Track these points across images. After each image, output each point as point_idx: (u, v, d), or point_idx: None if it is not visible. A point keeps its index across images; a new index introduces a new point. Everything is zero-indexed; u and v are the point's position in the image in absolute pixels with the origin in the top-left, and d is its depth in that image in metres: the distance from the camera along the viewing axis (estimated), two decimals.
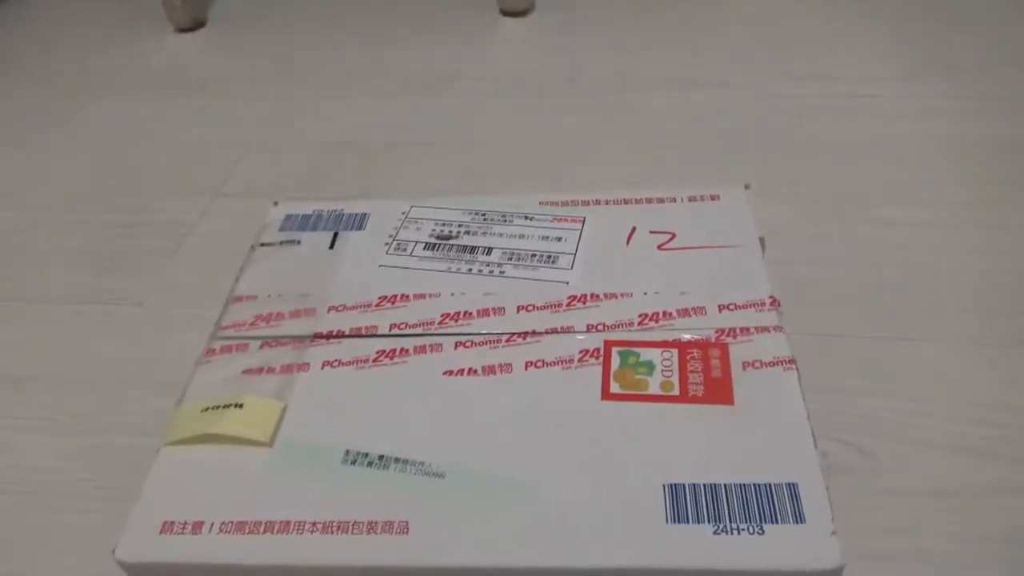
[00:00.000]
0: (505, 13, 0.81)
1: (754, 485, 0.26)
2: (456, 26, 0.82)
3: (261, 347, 0.33)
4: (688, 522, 0.25)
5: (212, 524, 0.27)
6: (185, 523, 0.27)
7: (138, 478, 0.32)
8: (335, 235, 0.39)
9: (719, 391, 0.29)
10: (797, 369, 0.29)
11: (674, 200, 0.38)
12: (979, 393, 0.42)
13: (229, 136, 0.70)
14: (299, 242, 0.39)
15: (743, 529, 0.25)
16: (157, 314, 0.53)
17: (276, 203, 0.41)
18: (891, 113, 0.64)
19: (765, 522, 0.25)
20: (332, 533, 0.27)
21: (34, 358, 0.51)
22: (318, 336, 0.33)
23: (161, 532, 0.27)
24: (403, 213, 0.39)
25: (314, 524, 0.27)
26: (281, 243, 0.39)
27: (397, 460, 0.28)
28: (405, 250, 0.37)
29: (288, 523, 0.27)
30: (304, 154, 0.67)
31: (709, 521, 0.25)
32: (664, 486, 0.26)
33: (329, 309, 0.35)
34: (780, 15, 0.78)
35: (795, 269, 0.50)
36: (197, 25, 0.87)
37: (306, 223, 0.40)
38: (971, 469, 0.39)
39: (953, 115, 0.63)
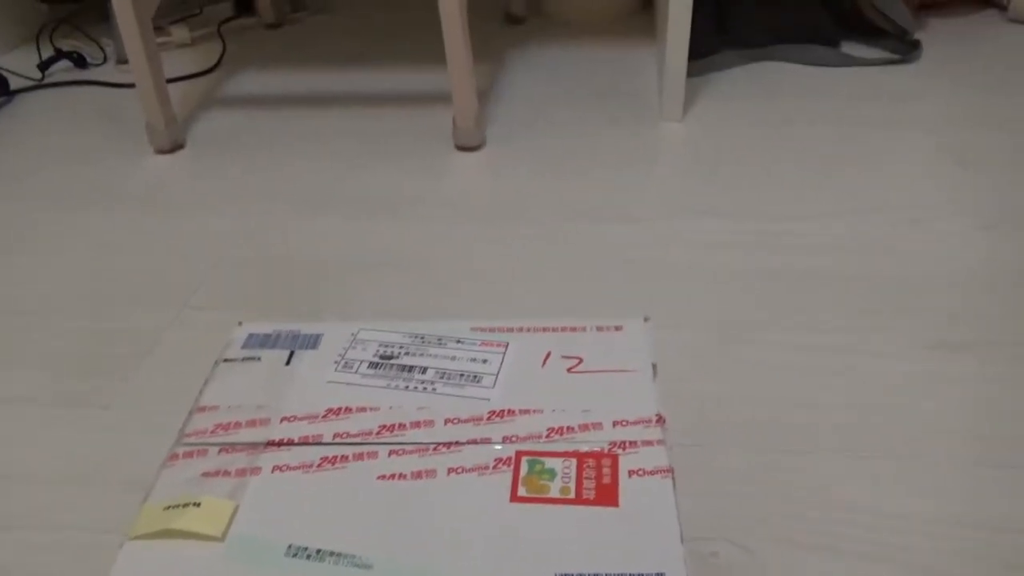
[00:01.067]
0: (460, 148, 0.90)
1: (628, 574, 0.31)
2: (416, 158, 0.90)
3: (219, 452, 0.38)
4: None
5: None
6: None
7: (99, 572, 0.36)
8: (291, 353, 0.44)
9: (608, 495, 0.35)
10: (673, 477, 0.35)
11: (584, 329, 0.45)
12: (862, 499, 0.48)
13: (200, 252, 0.76)
14: (259, 359, 0.44)
15: None
16: (123, 416, 0.57)
17: (240, 323, 0.47)
18: (781, 248, 0.73)
19: None
20: None
21: (1, 456, 0.55)
22: (270, 443, 0.38)
23: None
24: (352, 335, 0.45)
25: None
26: (243, 359, 0.44)
27: (332, 553, 0.33)
28: (352, 368, 0.43)
29: None
30: (267, 271, 0.73)
31: None
32: (555, 575, 0.32)
33: (282, 419, 0.40)
34: (711, 152, 0.88)
35: (681, 384, 0.56)
36: (176, 147, 0.94)
37: (266, 341, 0.45)
38: (851, 570, 0.44)
39: (852, 252, 0.72)
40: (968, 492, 0.48)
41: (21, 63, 1.23)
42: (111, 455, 0.54)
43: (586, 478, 0.36)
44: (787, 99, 0.97)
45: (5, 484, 0.52)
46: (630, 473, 0.36)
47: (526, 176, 0.86)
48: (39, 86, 1.17)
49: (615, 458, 0.36)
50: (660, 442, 0.37)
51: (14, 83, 1.16)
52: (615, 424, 0.38)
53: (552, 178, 0.85)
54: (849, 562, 0.44)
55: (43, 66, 1.21)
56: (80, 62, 1.23)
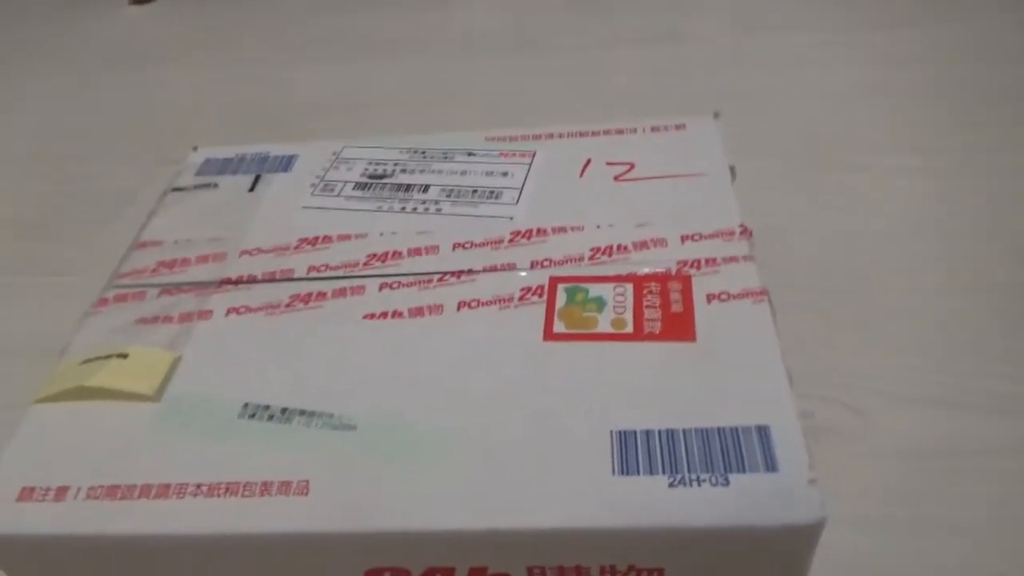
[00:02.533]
0: None
1: (717, 429, 0.22)
2: None
3: (160, 294, 0.29)
4: (639, 474, 0.21)
5: (79, 489, 0.23)
6: (47, 489, 0.23)
7: None
8: (257, 178, 0.34)
9: (679, 327, 0.25)
10: (770, 301, 0.25)
11: (635, 131, 0.34)
12: (975, 346, 0.38)
13: (180, 104, 0.66)
14: (216, 185, 0.34)
15: (704, 480, 0.21)
16: (83, 284, 0.49)
17: (195, 148, 0.37)
18: (866, 59, 0.60)
19: (730, 471, 0.21)
20: (218, 496, 0.22)
21: None
22: (225, 282, 0.29)
23: (18, 499, 0.23)
24: (334, 153, 0.35)
25: (198, 487, 0.23)
26: (196, 187, 0.34)
27: (302, 413, 0.24)
28: (333, 191, 0.33)
29: (168, 486, 0.23)
30: (255, 119, 0.63)
31: (664, 472, 0.21)
32: (612, 433, 0.22)
33: (241, 253, 0.30)
34: None
35: (770, 220, 0.46)
36: None
37: (226, 166, 0.35)
38: (967, 427, 0.35)
39: (933, 61, 0.59)
40: None
41: None
42: (67, 327, 0.46)
43: (648, 307, 0.26)
44: None
45: None
46: (709, 298, 0.26)
47: (549, 3, 0.73)
48: None
49: (687, 280, 0.26)
50: (748, 258, 0.27)
51: None
52: (683, 239, 0.28)
53: (574, 4, 0.72)
54: (971, 416, 0.35)
55: None
56: None
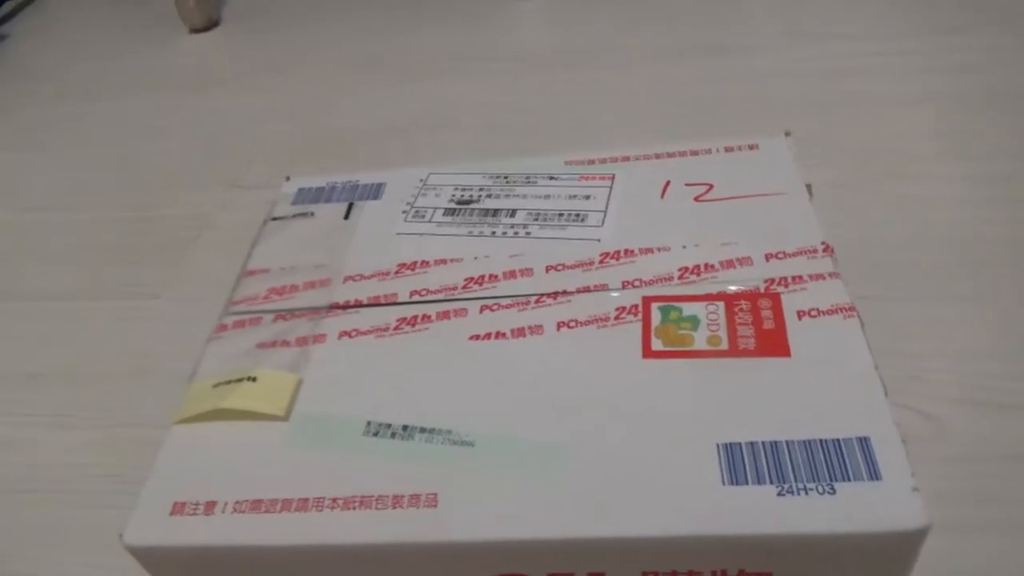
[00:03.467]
0: None
1: (820, 441, 0.23)
2: (467, 11, 0.80)
3: (275, 320, 0.31)
4: (748, 483, 0.23)
5: (225, 504, 0.25)
6: (197, 503, 0.25)
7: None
8: (350, 205, 0.37)
9: (773, 343, 0.26)
10: (859, 316, 0.27)
11: (709, 152, 0.35)
12: None
13: (246, 130, 0.69)
14: (312, 214, 0.36)
15: (811, 489, 0.22)
16: (174, 306, 0.51)
17: (288, 178, 0.39)
18: (918, 70, 0.61)
19: (835, 480, 0.22)
20: (354, 508, 0.24)
21: (51, 354, 0.50)
22: (334, 306, 0.31)
23: (171, 514, 0.25)
24: (421, 180, 0.37)
25: (334, 500, 0.25)
26: (294, 216, 0.37)
27: (423, 430, 0.26)
28: (424, 217, 0.35)
29: (306, 500, 0.25)
30: (318, 143, 0.66)
31: (772, 482, 0.23)
32: (719, 446, 0.24)
33: (345, 279, 0.32)
34: None
35: (837, 230, 0.47)
36: (211, 25, 0.86)
37: (319, 195, 0.38)
38: None
39: (985, 69, 0.59)
40: None
41: None
42: (163, 347, 0.49)
43: (740, 324, 0.27)
44: None
45: (57, 381, 0.48)
46: (799, 315, 0.27)
47: (598, 16, 0.74)
48: None
49: (776, 297, 0.28)
50: (834, 275, 0.28)
51: None
52: (768, 257, 0.29)
53: (628, 16, 0.73)
54: None
55: None
56: None
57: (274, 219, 0.37)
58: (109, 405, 0.46)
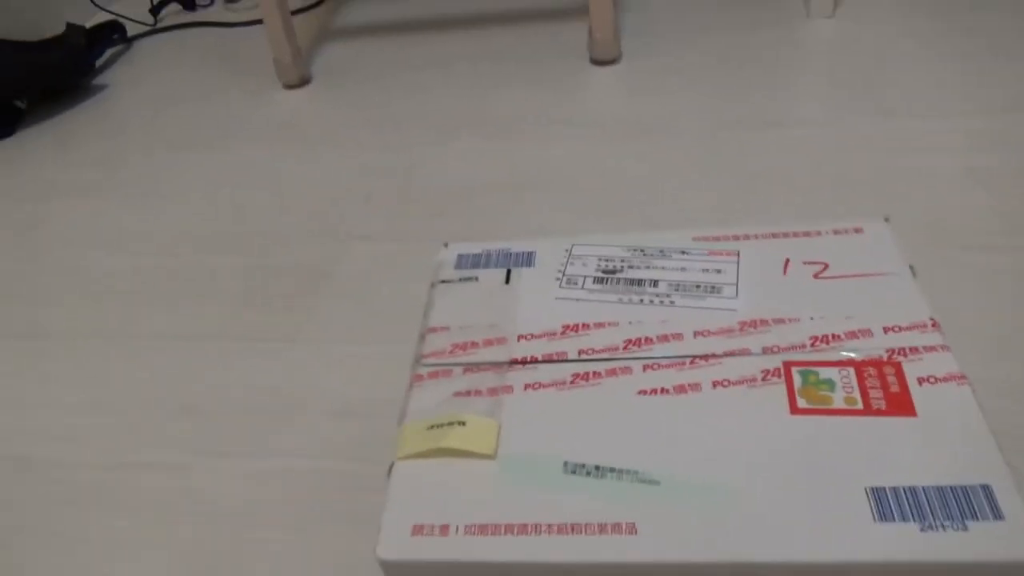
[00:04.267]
0: (596, 62, 0.86)
1: (951, 487, 0.29)
2: (550, 76, 0.87)
3: (464, 372, 0.37)
4: (895, 520, 0.28)
5: (457, 527, 0.31)
6: (433, 526, 0.31)
7: (310, 500, 0.35)
8: (508, 272, 0.43)
9: (901, 404, 0.32)
10: (971, 384, 0.32)
11: (819, 233, 0.41)
12: None
13: (348, 184, 0.75)
14: (476, 279, 0.43)
15: (948, 526, 0.28)
16: (308, 349, 0.57)
17: (446, 244, 0.45)
18: (977, 146, 0.67)
19: (967, 519, 0.28)
20: (566, 533, 0.30)
21: (197, 390, 0.56)
22: (514, 361, 0.37)
23: (412, 534, 0.31)
24: (566, 251, 0.43)
25: (549, 526, 0.30)
26: (460, 280, 0.43)
27: (612, 470, 0.32)
28: (576, 284, 0.41)
29: (525, 525, 0.30)
30: (419, 198, 0.72)
31: (915, 520, 0.28)
32: (867, 489, 0.29)
33: (519, 337, 0.38)
34: (853, 57, 0.81)
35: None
36: (304, 82, 0.93)
37: (478, 261, 0.44)
38: None
39: None
40: None
41: (133, 8, 1.23)
42: (305, 386, 0.55)
43: (871, 387, 0.33)
44: None
45: (212, 414, 0.54)
46: (919, 380, 0.33)
47: (673, 88, 0.81)
48: (153, 31, 1.18)
49: (898, 365, 0.34)
50: (944, 347, 0.34)
51: (130, 29, 1.16)
52: (886, 330, 0.35)
53: (696, 87, 0.80)
54: None
55: (155, 10, 1.21)
56: (189, 4, 1.22)
57: (442, 282, 0.43)
58: (264, 436, 0.51)
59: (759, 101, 0.77)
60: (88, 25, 1.08)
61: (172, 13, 1.23)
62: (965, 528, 0.28)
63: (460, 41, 0.97)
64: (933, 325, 0.35)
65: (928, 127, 0.70)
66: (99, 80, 1.05)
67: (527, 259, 0.43)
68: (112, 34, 1.11)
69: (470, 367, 0.37)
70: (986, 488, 0.29)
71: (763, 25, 0.88)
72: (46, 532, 0.48)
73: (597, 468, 0.32)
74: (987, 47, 0.79)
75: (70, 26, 1.03)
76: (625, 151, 0.73)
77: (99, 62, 1.09)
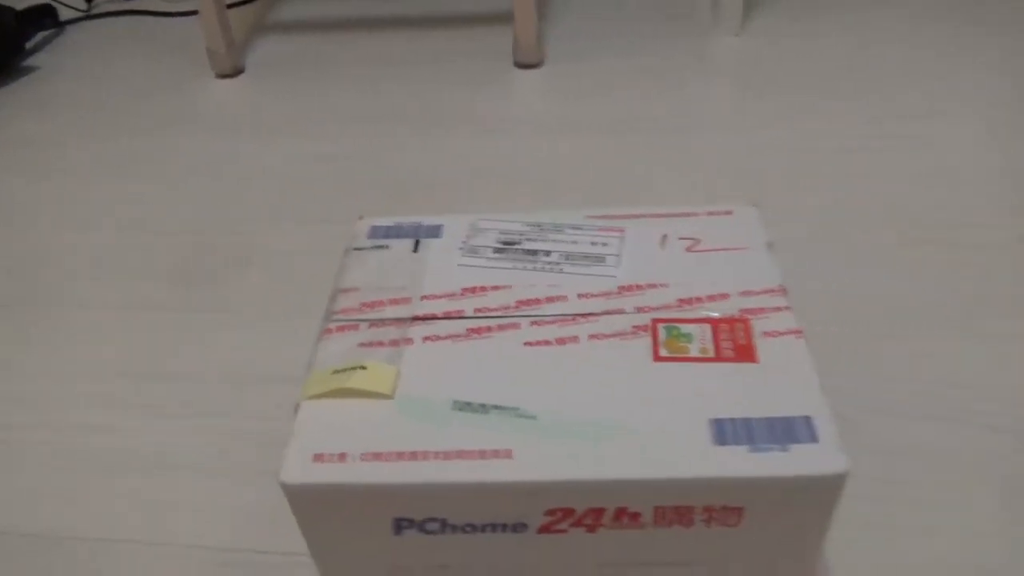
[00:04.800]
0: (520, 66, 0.91)
1: (778, 418, 0.34)
2: (478, 77, 0.91)
3: (370, 327, 0.41)
4: (730, 444, 0.33)
5: (354, 455, 0.34)
6: (332, 454, 0.34)
7: (240, 457, 0.39)
8: (417, 241, 0.46)
9: (746, 353, 0.37)
10: (805, 336, 0.38)
11: (696, 214, 0.47)
12: (944, 372, 0.51)
13: (280, 170, 0.78)
14: (388, 247, 0.46)
15: (772, 448, 0.33)
16: (237, 320, 0.60)
17: (361, 217, 0.49)
18: (867, 147, 0.74)
19: (789, 443, 0.33)
20: (451, 459, 0.34)
21: (134, 357, 0.58)
22: (416, 318, 0.41)
23: (313, 461, 0.34)
24: (471, 225, 0.47)
25: (436, 453, 0.34)
26: (372, 247, 0.46)
27: (496, 407, 0.36)
28: (478, 253, 0.45)
29: (415, 452, 0.34)
30: (352, 185, 0.75)
31: (746, 443, 0.33)
32: (709, 420, 0.34)
33: (422, 298, 0.42)
34: (755, 63, 0.88)
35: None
36: (237, 72, 0.95)
37: (390, 232, 0.47)
38: (944, 434, 0.47)
39: (926, 155, 0.73)
40: None
41: None
42: (236, 354, 0.57)
43: (723, 340, 0.38)
44: (851, 9, 0.96)
45: (147, 379, 0.56)
46: (764, 335, 0.38)
47: (591, 91, 0.86)
48: (86, 17, 1.18)
49: (747, 322, 0.39)
50: (787, 308, 0.39)
51: (62, 14, 1.16)
52: (741, 294, 0.40)
53: (612, 91, 0.86)
54: (951, 427, 0.47)
55: None
56: None
57: (355, 249, 0.46)
58: (205, 400, 0.54)
59: (668, 105, 0.83)
60: (19, 8, 1.08)
61: (106, 0, 1.23)
62: (787, 450, 0.33)
63: (392, 42, 1.00)
64: (782, 290, 0.41)
65: (812, 129, 0.77)
66: (29, 62, 1.05)
67: (435, 231, 0.47)
68: (44, 18, 1.11)
69: (375, 322, 0.41)
70: (807, 419, 0.34)
71: (677, 37, 0.95)
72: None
73: (483, 406, 0.36)
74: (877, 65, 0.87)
75: (0, 7, 1.03)
76: (543, 145, 0.78)
77: (29, 44, 1.08)
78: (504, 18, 1.02)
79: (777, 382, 0.36)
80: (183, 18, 1.15)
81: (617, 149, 0.76)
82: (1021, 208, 0.64)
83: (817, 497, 0.33)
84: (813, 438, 0.33)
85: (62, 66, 1.03)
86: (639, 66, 0.89)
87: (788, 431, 0.34)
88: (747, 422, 0.34)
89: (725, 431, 0.34)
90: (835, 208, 0.67)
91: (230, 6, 1.14)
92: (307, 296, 0.62)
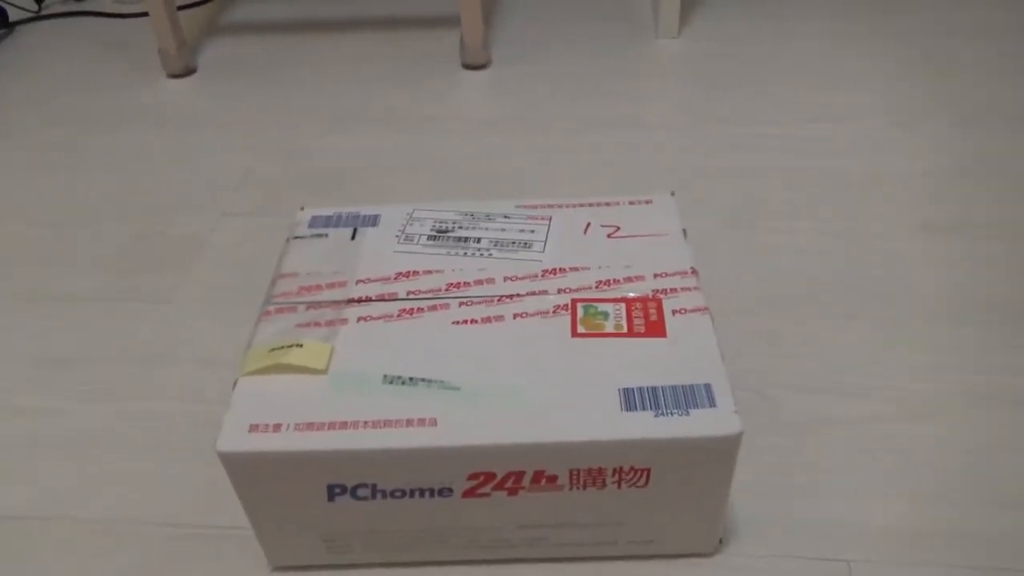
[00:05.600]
0: (467, 67, 0.94)
1: (682, 386, 0.37)
2: (426, 77, 0.93)
3: (307, 309, 0.43)
4: (637, 410, 0.36)
5: (288, 425, 0.36)
6: (268, 425, 0.36)
7: (180, 437, 0.41)
8: (355, 230, 0.49)
9: (656, 328, 0.40)
10: (710, 314, 0.41)
11: (618, 203, 0.50)
12: (856, 355, 0.54)
13: (228, 166, 0.80)
14: (327, 235, 0.48)
15: (675, 412, 0.36)
16: (184, 308, 0.62)
17: (303, 208, 0.51)
18: (790, 149, 0.78)
19: (690, 407, 0.36)
20: (380, 427, 0.36)
21: (77, 344, 0.59)
22: (351, 300, 0.43)
23: (249, 432, 0.36)
24: (408, 214, 0.50)
25: (366, 423, 0.36)
26: (312, 236, 0.48)
27: (423, 380, 0.38)
28: (413, 240, 0.48)
29: (345, 422, 0.36)
30: (297, 180, 0.77)
31: (651, 409, 0.36)
32: (619, 389, 0.37)
33: (357, 282, 0.44)
34: (692, 71, 0.92)
35: (707, 265, 0.62)
36: (188, 72, 0.96)
37: (329, 221, 0.50)
38: (848, 406, 0.51)
39: (834, 154, 0.77)
40: (950, 345, 0.55)
41: None
42: (179, 340, 0.59)
43: (635, 317, 0.41)
44: (784, 15, 1.01)
45: (91, 365, 0.57)
46: (673, 312, 0.41)
47: (535, 91, 0.89)
48: (37, 18, 1.17)
49: (659, 301, 0.42)
50: (696, 288, 0.43)
51: (12, 15, 1.16)
52: (655, 276, 0.44)
53: (556, 91, 0.89)
54: (847, 402, 0.51)
55: None
56: None
57: (296, 237, 0.48)
58: (142, 383, 0.55)
59: (609, 105, 0.86)
60: None
61: (57, 2, 1.22)
62: (688, 414, 0.36)
63: (342, 43, 1.02)
64: (692, 272, 0.44)
65: (747, 132, 0.81)
66: None
67: (373, 220, 0.50)
68: None
69: (313, 304, 0.43)
70: (707, 386, 0.37)
71: (618, 40, 0.98)
72: None
73: (411, 379, 0.39)
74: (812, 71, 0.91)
75: None
76: (487, 143, 0.81)
77: None
78: (452, 21, 1.05)
79: (682, 354, 0.39)
80: (135, 19, 1.15)
81: (554, 145, 0.79)
82: (926, 203, 0.69)
83: (717, 457, 0.36)
84: (712, 403, 0.36)
85: (12, 66, 1.03)
86: (583, 68, 0.93)
87: (691, 398, 0.37)
88: (653, 390, 0.37)
89: (633, 398, 0.37)
90: (749, 201, 0.70)
91: (181, 8, 1.15)
92: (249, 284, 0.64)
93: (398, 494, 0.38)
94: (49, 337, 0.60)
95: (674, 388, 0.37)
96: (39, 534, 0.47)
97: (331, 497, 0.38)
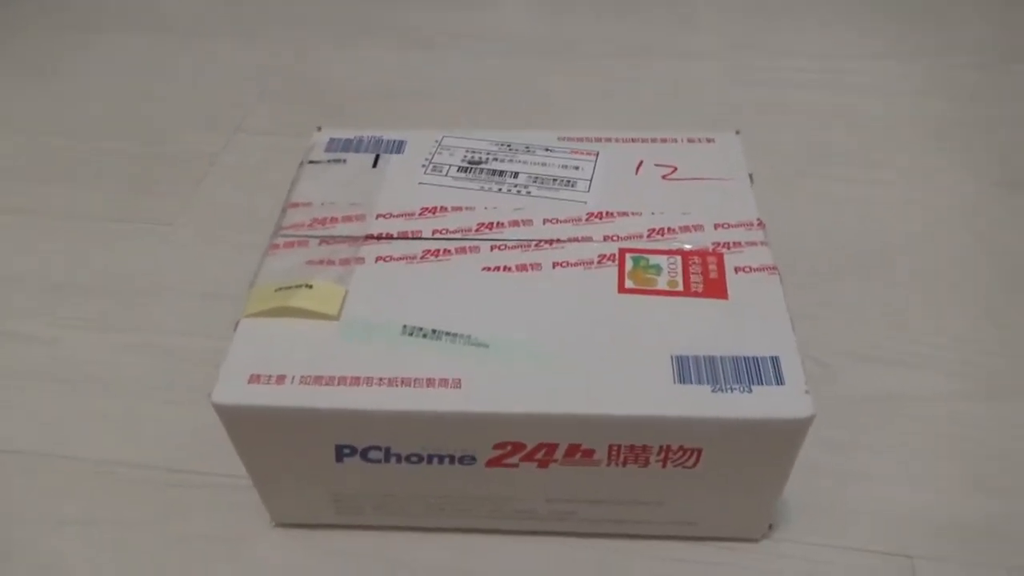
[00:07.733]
0: None
1: (744, 358, 0.32)
2: None
3: (320, 244, 0.38)
4: (692, 383, 0.31)
5: (293, 377, 0.32)
6: (270, 376, 0.32)
7: (181, 375, 0.37)
8: (377, 156, 0.43)
9: (716, 288, 0.35)
10: (779, 274, 0.36)
11: (675, 141, 0.44)
12: (928, 321, 0.49)
13: (245, 80, 0.74)
14: (345, 161, 0.43)
15: (736, 389, 0.31)
16: (188, 232, 0.57)
17: (320, 128, 0.46)
18: (854, 88, 0.71)
19: (753, 384, 0.31)
20: (396, 386, 0.32)
21: (76, 268, 0.55)
22: (369, 237, 0.38)
23: (249, 382, 0.32)
24: (436, 141, 0.44)
25: (380, 380, 0.32)
26: (328, 161, 0.43)
27: (448, 333, 0.34)
28: (441, 171, 0.42)
29: (358, 378, 0.32)
30: (314, 98, 0.71)
31: (708, 383, 0.31)
32: (672, 356, 0.32)
33: (377, 216, 0.39)
34: (747, 3, 0.84)
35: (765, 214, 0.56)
36: None
37: (349, 145, 0.44)
38: (915, 380, 0.46)
39: (909, 94, 0.70)
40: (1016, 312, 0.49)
41: None
42: (182, 268, 0.54)
43: (693, 273, 0.36)
44: None
45: (87, 293, 0.53)
46: (736, 270, 0.36)
47: (581, 11, 0.82)
48: None
49: (720, 256, 0.36)
50: (764, 243, 0.37)
51: None
52: (716, 227, 0.38)
53: (597, 16, 0.81)
54: (915, 375, 0.46)
55: None
56: None
57: (311, 162, 0.43)
58: (137, 315, 0.51)
59: (656, 32, 0.79)
60: None
61: None
62: (750, 391, 0.31)
63: None
64: (759, 224, 0.38)
65: (813, 66, 0.73)
66: None
67: (397, 147, 0.44)
68: None
69: (326, 239, 0.38)
70: (775, 359, 0.32)
71: None
72: None
73: (434, 331, 0.34)
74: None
75: None
76: (529, 66, 0.74)
77: None
78: None
79: (746, 320, 0.34)
80: None
81: (606, 73, 0.73)
82: (1012, 157, 0.62)
83: (780, 441, 0.32)
84: (780, 380, 0.31)
85: None
86: None
87: (754, 372, 0.32)
88: (711, 360, 0.32)
89: (688, 369, 0.32)
90: (816, 146, 0.64)
91: None
92: (258, 209, 0.59)
93: (414, 459, 0.34)
94: (45, 260, 0.56)
95: (735, 359, 0.32)
96: (42, 469, 0.43)
97: (339, 458, 0.34)
